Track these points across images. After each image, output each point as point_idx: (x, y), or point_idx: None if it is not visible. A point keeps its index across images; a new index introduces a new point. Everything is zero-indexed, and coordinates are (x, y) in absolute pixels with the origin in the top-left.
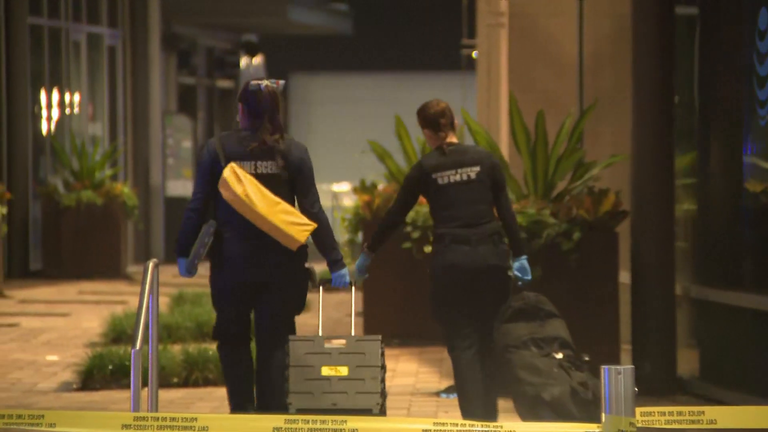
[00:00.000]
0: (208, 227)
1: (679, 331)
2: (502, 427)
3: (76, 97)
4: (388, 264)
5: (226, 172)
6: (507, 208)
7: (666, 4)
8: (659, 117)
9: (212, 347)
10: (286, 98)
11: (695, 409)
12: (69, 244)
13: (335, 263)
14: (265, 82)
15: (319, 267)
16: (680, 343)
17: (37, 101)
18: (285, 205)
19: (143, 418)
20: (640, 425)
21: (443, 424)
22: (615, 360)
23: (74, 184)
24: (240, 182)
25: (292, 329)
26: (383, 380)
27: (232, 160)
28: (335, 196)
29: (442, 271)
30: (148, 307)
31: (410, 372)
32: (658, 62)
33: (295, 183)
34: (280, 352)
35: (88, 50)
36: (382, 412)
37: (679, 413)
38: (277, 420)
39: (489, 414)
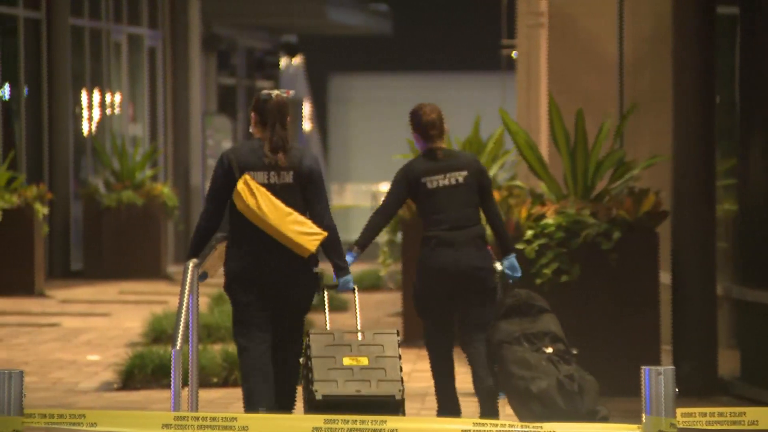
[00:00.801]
0: (212, 240)
1: (720, 332)
2: (542, 427)
3: (117, 98)
4: None
5: (240, 185)
6: (494, 210)
7: (707, 4)
8: (700, 117)
9: None
10: (326, 98)
11: (736, 410)
12: (109, 244)
13: (341, 270)
14: (275, 92)
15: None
16: (721, 344)
17: (78, 102)
18: (296, 216)
19: (183, 418)
20: (680, 426)
21: (483, 424)
22: (655, 361)
23: (115, 185)
24: (253, 195)
25: (302, 330)
26: (401, 369)
27: (246, 170)
28: (374, 196)
29: (428, 273)
30: (188, 307)
31: None
32: (699, 62)
33: (306, 192)
34: (292, 352)
35: (128, 51)
36: (403, 399)
37: (720, 414)
38: (317, 420)
39: (490, 412)
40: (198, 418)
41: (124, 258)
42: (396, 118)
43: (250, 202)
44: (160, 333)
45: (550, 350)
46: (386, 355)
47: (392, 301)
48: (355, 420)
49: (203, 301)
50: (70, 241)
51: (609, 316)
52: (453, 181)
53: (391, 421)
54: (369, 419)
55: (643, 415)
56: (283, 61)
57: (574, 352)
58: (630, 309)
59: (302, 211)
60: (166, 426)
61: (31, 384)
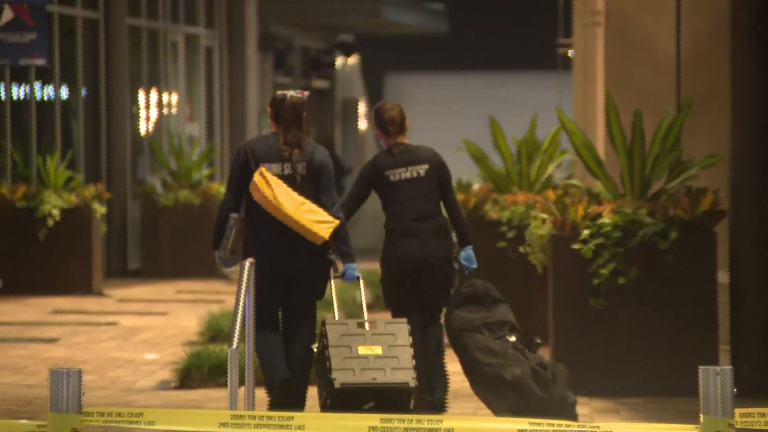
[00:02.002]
0: (230, 221)
1: None
2: (599, 427)
3: (174, 98)
4: (483, 263)
5: (257, 177)
6: (453, 202)
7: (764, 1)
8: (758, 116)
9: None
10: (382, 97)
11: None
12: (167, 243)
13: (348, 257)
14: (290, 93)
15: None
16: None
17: (135, 102)
18: (310, 205)
19: (240, 417)
20: (738, 426)
21: (539, 423)
22: (713, 361)
23: (172, 184)
24: (269, 186)
25: (315, 314)
26: (414, 358)
27: (262, 162)
28: None
29: (394, 262)
30: (244, 306)
31: None
32: (757, 59)
33: (317, 183)
34: (307, 334)
35: (185, 51)
36: (416, 387)
37: None
38: (373, 419)
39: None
40: (254, 417)
41: (181, 257)
42: (451, 117)
43: (267, 192)
44: (216, 332)
45: (513, 339)
46: (398, 343)
47: None
48: (411, 419)
49: None
50: (127, 240)
51: (666, 316)
52: (414, 174)
53: (447, 421)
54: (425, 419)
55: (701, 416)
56: (339, 61)
57: (538, 341)
58: (687, 309)
59: (314, 202)
60: (223, 425)
61: (89, 382)
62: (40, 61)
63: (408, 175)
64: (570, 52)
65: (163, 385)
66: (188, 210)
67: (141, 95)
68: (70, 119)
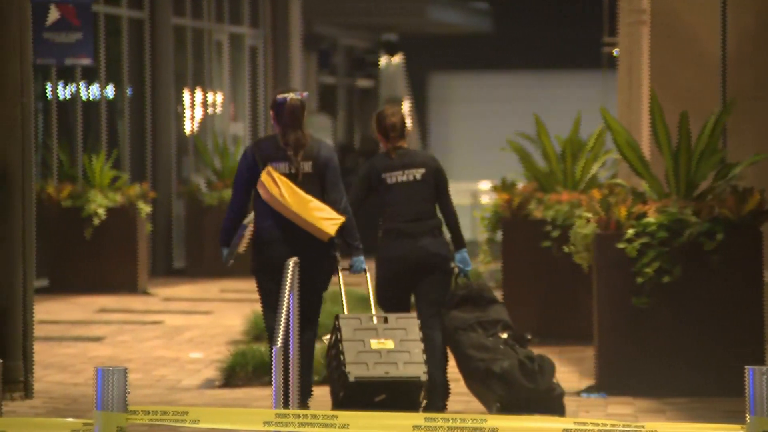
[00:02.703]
0: (243, 225)
1: None
2: (644, 426)
3: (219, 97)
4: (528, 262)
5: (264, 176)
6: (448, 206)
7: None
8: None
9: None
10: (426, 97)
11: None
12: (211, 242)
13: (356, 250)
14: (290, 95)
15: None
16: None
17: (180, 101)
18: (316, 203)
19: (284, 415)
20: None
21: (584, 423)
22: (759, 361)
23: (216, 183)
24: (276, 184)
25: (319, 311)
26: (424, 352)
27: (268, 162)
28: (474, 194)
29: (389, 263)
30: (288, 305)
31: None
32: None
33: (323, 180)
34: (313, 325)
35: (230, 50)
36: (427, 381)
37: None
38: (417, 418)
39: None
40: (299, 416)
41: None
42: (496, 117)
43: (274, 191)
44: (261, 330)
45: (505, 336)
46: (409, 338)
47: None
48: (455, 418)
49: None
50: (172, 239)
51: (712, 316)
52: (411, 178)
53: (491, 420)
54: (469, 417)
55: (747, 416)
56: (383, 60)
57: (529, 337)
58: (733, 309)
59: (320, 198)
60: (268, 423)
61: (134, 381)
62: (86, 61)
63: (405, 178)
64: (615, 51)
65: (208, 384)
66: None
67: (186, 95)
68: (115, 119)
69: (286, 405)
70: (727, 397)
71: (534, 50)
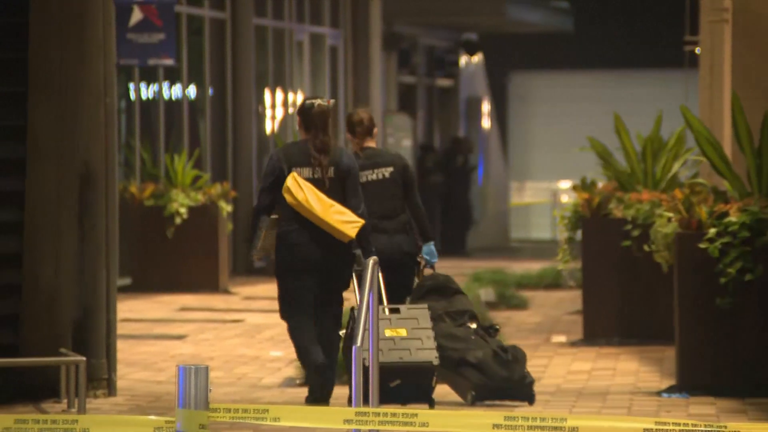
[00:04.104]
0: (261, 221)
1: None
2: (726, 427)
3: (299, 97)
4: (608, 262)
5: (289, 181)
6: (416, 202)
7: None
8: None
9: None
10: (506, 96)
11: None
12: None
13: (370, 253)
14: (317, 101)
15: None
16: None
17: (261, 101)
18: (338, 207)
19: (364, 414)
20: None
21: (665, 423)
22: None
23: None
24: (301, 189)
25: (342, 307)
26: (435, 340)
27: (293, 167)
28: (554, 193)
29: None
30: (368, 304)
31: (630, 371)
32: None
33: (344, 186)
34: (336, 321)
35: (310, 50)
36: (438, 365)
37: None
38: (497, 417)
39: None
40: (379, 414)
41: None
42: (576, 116)
43: (299, 195)
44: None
45: (474, 326)
46: (421, 327)
47: (572, 299)
48: (535, 417)
49: None
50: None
51: None
52: (380, 176)
53: (571, 419)
54: (549, 416)
55: None
56: (463, 60)
57: (497, 327)
58: None
59: (340, 202)
60: (348, 421)
61: (216, 379)
62: (169, 62)
63: (374, 176)
64: (697, 50)
65: (288, 382)
66: None
67: (266, 94)
68: (197, 118)
69: (365, 403)
70: None
71: (614, 49)
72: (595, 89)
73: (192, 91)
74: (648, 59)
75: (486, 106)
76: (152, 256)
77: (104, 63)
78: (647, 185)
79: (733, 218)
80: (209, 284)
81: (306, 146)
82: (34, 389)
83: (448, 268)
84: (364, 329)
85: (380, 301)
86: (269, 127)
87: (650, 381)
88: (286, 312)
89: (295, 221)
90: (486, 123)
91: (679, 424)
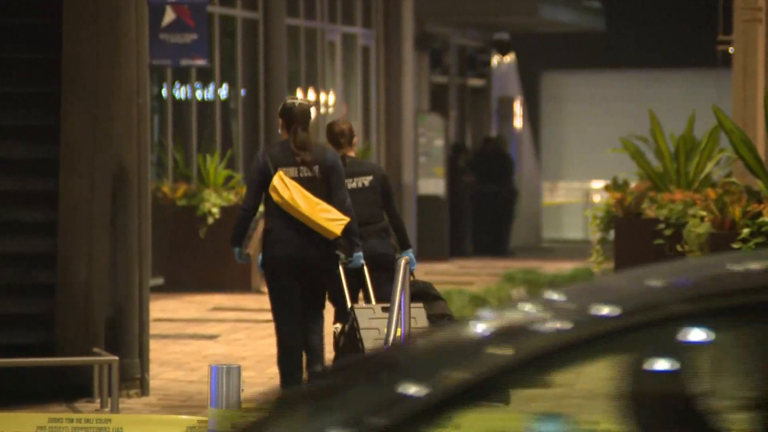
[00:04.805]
0: (252, 224)
1: None
2: None
3: (331, 97)
4: (640, 261)
5: (275, 180)
6: (394, 210)
7: None
8: None
9: None
10: (538, 96)
11: None
12: None
13: (356, 247)
14: (298, 101)
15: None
16: None
17: None
18: (323, 205)
19: None
20: None
21: None
22: None
23: None
24: (287, 188)
25: (324, 304)
26: None
27: (279, 167)
28: (587, 193)
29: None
30: (400, 304)
31: None
32: None
33: (329, 182)
34: (320, 318)
35: (342, 50)
36: None
37: None
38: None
39: None
40: None
41: None
42: (608, 116)
43: (285, 194)
44: None
45: None
46: (419, 326)
47: None
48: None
49: None
50: None
51: None
52: (360, 185)
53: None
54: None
55: None
56: (495, 59)
57: None
58: None
59: (325, 200)
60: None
61: (248, 379)
62: (201, 62)
63: (354, 185)
64: (730, 50)
65: None
66: None
67: (299, 95)
68: (229, 119)
69: None
70: None
71: (647, 49)
72: (627, 89)
73: (224, 91)
74: (680, 59)
75: (518, 106)
76: (184, 256)
77: (137, 63)
78: (680, 185)
79: (766, 218)
80: (241, 284)
81: (287, 145)
82: (68, 388)
83: (481, 268)
84: (396, 327)
85: (368, 300)
86: None
87: None
88: (274, 311)
89: (280, 219)
90: (518, 123)
91: None
